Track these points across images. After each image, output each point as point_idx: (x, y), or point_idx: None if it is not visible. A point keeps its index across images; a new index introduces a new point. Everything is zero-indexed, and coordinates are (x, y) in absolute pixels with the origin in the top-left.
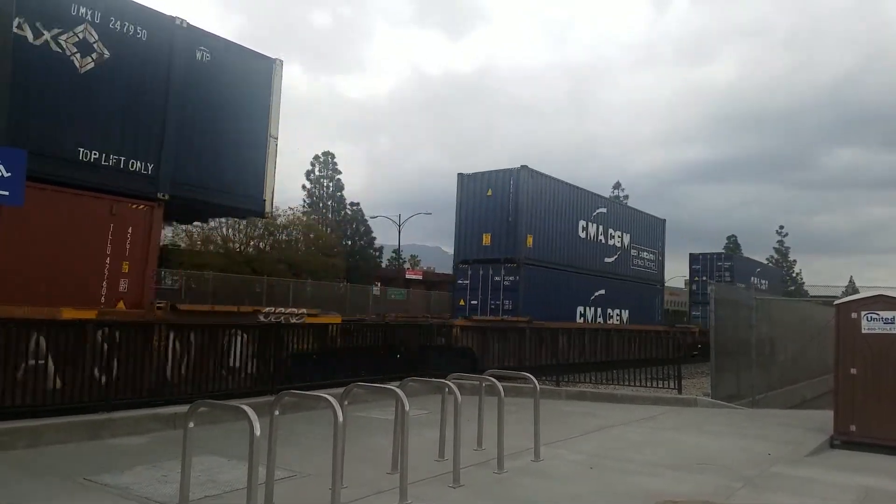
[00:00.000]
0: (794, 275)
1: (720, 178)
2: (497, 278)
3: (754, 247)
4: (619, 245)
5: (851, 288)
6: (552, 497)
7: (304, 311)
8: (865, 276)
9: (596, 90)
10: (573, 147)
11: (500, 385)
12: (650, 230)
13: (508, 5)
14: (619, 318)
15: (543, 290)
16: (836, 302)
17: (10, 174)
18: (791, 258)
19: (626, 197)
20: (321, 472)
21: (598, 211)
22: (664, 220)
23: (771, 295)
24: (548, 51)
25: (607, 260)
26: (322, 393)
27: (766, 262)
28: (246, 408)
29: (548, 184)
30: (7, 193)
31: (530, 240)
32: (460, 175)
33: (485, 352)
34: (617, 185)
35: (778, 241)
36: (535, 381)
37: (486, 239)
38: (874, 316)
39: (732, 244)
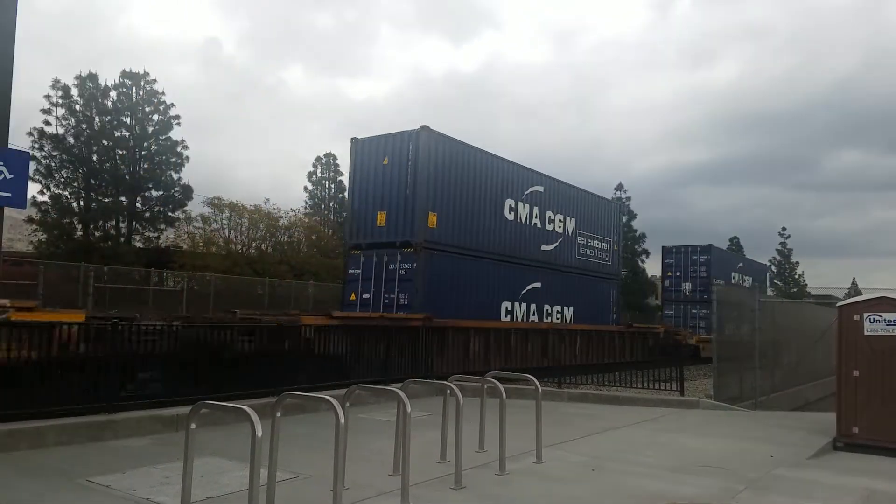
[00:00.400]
0: (796, 276)
1: (723, 179)
2: (392, 266)
3: (757, 249)
4: (560, 231)
5: (854, 290)
6: (554, 499)
7: (7, 301)
8: (869, 278)
9: (598, 91)
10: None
11: (501, 387)
12: (603, 215)
13: (513, 7)
14: (560, 316)
15: (452, 282)
16: (839, 304)
17: (12, 176)
18: (794, 260)
19: (629, 199)
20: (323, 474)
21: (532, 189)
22: (621, 203)
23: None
24: (551, 51)
25: (545, 248)
26: (324, 394)
27: (768, 262)
28: (248, 409)
29: (459, 151)
30: (9, 195)
31: (433, 219)
32: (354, 140)
33: (359, 358)
34: (619, 187)
35: (780, 243)
36: (537, 383)
37: (381, 218)
38: (877, 318)
39: (735, 246)
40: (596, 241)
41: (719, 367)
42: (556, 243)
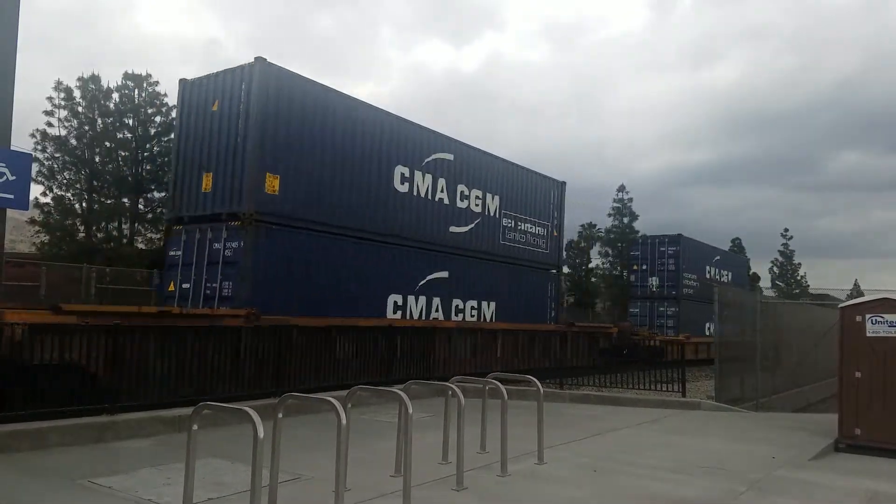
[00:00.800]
0: (798, 278)
1: (724, 180)
2: (217, 246)
3: (760, 249)
4: (478, 210)
5: (856, 291)
6: (556, 500)
7: None
8: (871, 279)
9: (599, 92)
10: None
11: (503, 388)
12: (538, 195)
13: (515, 8)
14: (477, 313)
15: (306, 268)
16: (841, 305)
17: (15, 178)
18: (796, 261)
19: (631, 199)
20: (324, 475)
21: (436, 157)
22: (563, 182)
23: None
24: (552, 52)
25: (456, 230)
26: (327, 396)
27: (770, 263)
28: (249, 410)
29: (319, 98)
30: (11, 197)
31: (274, 183)
32: (182, 82)
33: (121, 371)
34: (621, 188)
35: (783, 244)
36: (539, 384)
37: (207, 182)
38: (879, 319)
39: (737, 247)
40: (528, 225)
41: (721, 369)
42: (472, 224)
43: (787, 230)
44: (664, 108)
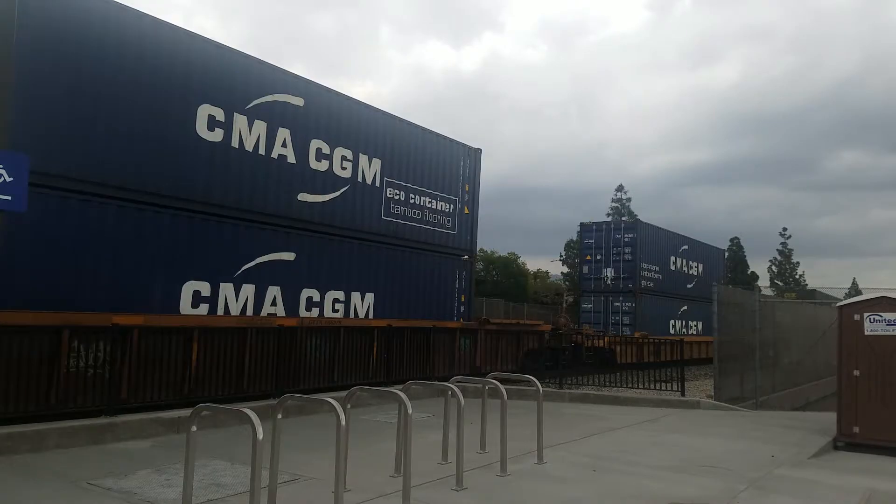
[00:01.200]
0: (797, 276)
1: (724, 180)
2: None
3: (759, 249)
4: (346, 175)
5: (854, 290)
6: (555, 500)
7: None
8: (870, 277)
9: (599, 93)
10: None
11: (503, 388)
12: (443, 163)
13: (514, 8)
14: (345, 307)
15: (44, 243)
16: (839, 304)
17: (12, 179)
18: (794, 260)
19: (629, 199)
20: (324, 476)
21: (269, 98)
22: (478, 150)
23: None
24: (551, 53)
25: (309, 198)
26: (325, 396)
27: (768, 262)
28: (248, 411)
29: (84, 6)
30: (9, 198)
31: None
32: None
33: None
34: (620, 188)
35: (781, 243)
36: (538, 384)
37: None
38: (877, 317)
39: (736, 246)
40: (426, 199)
41: (720, 368)
42: (337, 193)
43: (785, 229)
44: (664, 109)
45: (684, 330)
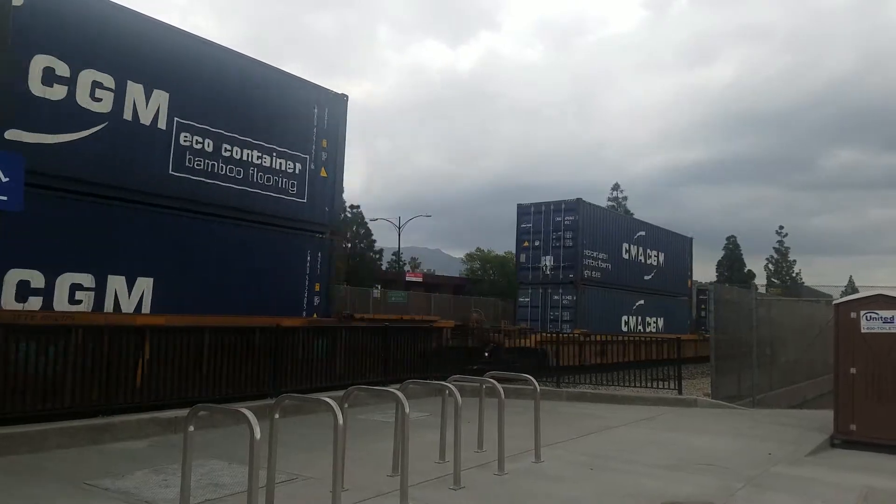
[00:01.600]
0: (794, 275)
1: (720, 179)
2: None
3: (755, 247)
4: (102, 110)
5: (851, 287)
6: (553, 499)
7: None
8: (866, 276)
9: (599, 93)
10: (576, 149)
11: (500, 387)
12: (283, 105)
13: (512, 9)
14: (90, 297)
15: None
16: (836, 301)
17: (7, 179)
18: (791, 258)
19: (625, 198)
20: (322, 475)
21: None
22: (343, 95)
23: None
24: (550, 53)
25: (28, 138)
26: (322, 396)
27: (765, 261)
28: (246, 411)
29: None
30: (6, 199)
31: None
32: None
33: None
34: (616, 187)
35: (778, 242)
36: (536, 383)
37: None
38: (873, 315)
39: (732, 244)
40: (254, 152)
41: (717, 366)
42: (85, 133)
43: (781, 227)
44: (662, 108)
45: (640, 327)
